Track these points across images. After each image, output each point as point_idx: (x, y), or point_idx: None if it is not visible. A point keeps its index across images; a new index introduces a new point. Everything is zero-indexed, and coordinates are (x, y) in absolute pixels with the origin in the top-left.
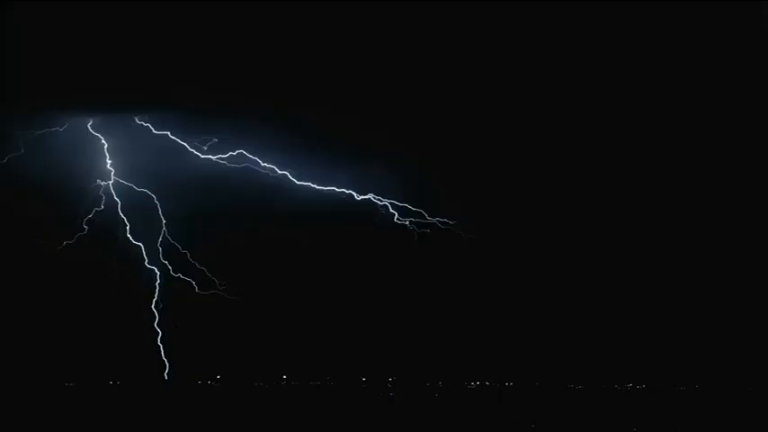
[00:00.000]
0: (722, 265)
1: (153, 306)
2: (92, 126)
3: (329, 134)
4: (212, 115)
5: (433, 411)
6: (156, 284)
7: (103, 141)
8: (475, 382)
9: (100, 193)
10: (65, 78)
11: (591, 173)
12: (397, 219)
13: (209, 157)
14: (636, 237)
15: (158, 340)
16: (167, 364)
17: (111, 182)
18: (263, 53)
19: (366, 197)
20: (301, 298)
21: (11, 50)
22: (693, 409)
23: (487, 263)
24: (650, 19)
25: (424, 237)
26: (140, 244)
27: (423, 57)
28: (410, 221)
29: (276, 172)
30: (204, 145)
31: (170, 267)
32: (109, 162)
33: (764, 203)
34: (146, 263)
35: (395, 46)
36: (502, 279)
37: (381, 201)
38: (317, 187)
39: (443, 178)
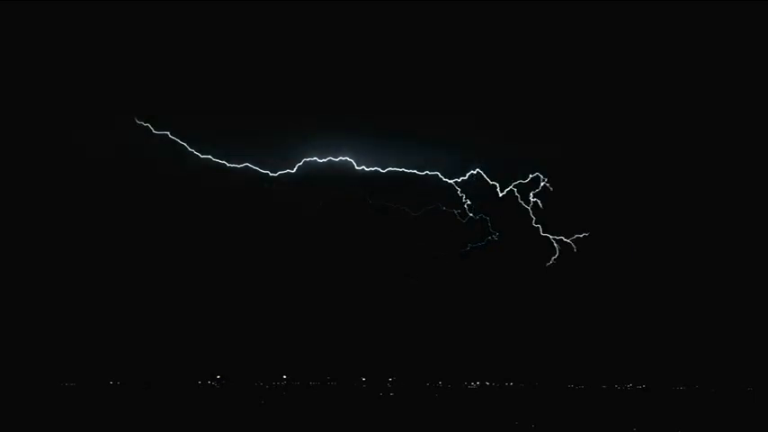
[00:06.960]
0: (723, 266)
1: None
2: None
3: None
4: None
5: (432, 411)
6: None
7: None
8: (475, 382)
9: None
10: None
11: (594, 178)
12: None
13: None
14: (636, 239)
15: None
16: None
17: None
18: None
19: None
20: (301, 298)
21: None
22: (693, 409)
23: (489, 264)
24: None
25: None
26: None
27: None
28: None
29: None
30: None
31: None
32: None
33: (764, 205)
34: None
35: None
36: (502, 280)
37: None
38: None
39: None
